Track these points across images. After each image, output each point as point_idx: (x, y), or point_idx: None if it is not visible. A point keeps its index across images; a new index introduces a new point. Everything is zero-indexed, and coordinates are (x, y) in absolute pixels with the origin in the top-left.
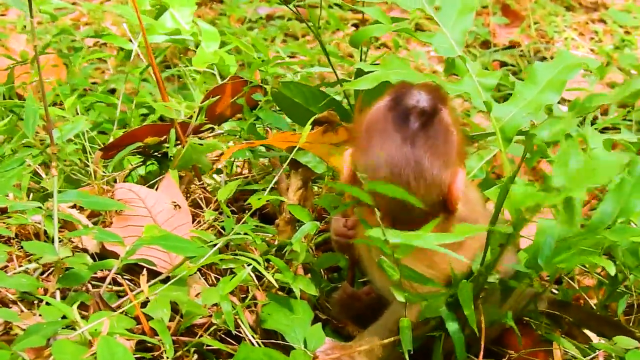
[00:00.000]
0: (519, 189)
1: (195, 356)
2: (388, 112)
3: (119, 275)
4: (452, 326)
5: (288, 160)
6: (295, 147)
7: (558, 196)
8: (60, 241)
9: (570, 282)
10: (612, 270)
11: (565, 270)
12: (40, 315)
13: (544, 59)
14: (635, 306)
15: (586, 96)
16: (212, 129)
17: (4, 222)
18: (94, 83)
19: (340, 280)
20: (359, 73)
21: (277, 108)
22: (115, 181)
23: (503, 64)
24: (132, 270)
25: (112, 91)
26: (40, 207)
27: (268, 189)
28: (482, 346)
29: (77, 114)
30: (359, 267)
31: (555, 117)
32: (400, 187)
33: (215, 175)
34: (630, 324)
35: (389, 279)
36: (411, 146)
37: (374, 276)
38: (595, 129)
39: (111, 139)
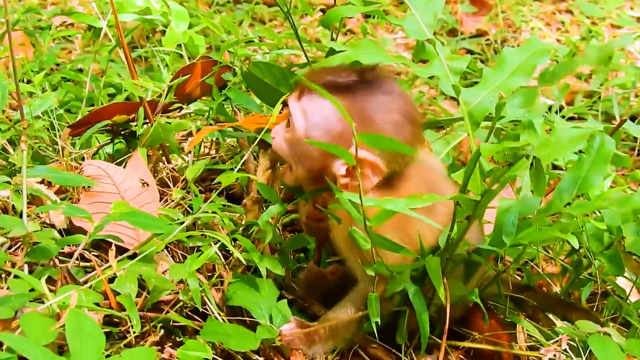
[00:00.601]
0: (487, 145)
1: (162, 332)
2: (354, 92)
3: (86, 251)
4: (417, 301)
5: (256, 141)
6: (264, 128)
7: (524, 143)
8: (28, 216)
9: (536, 267)
10: (576, 244)
11: (529, 255)
12: (8, 288)
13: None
14: (599, 293)
15: (557, 64)
16: (181, 109)
17: None
18: (59, 63)
19: (306, 261)
20: (331, 52)
21: (246, 89)
22: (82, 158)
23: (470, 52)
24: (99, 246)
25: (79, 71)
26: (8, 182)
27: (237, 168)
28: (447, 320)
29: (45, 91)
30: (327, 248)
31: (526, 87)
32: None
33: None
34: (594, 311)
35: (360, 253)
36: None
37: (344, 252)
38: (562, 117)
39: (79, 117)
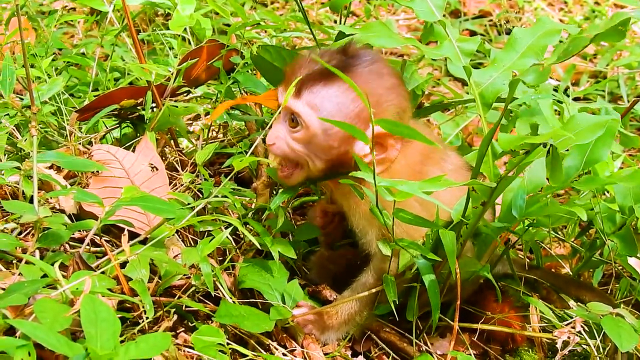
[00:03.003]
0: (505, 136)
1: (175, 317)
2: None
3: (96, 236)
4: (428, 276)
5: (270, 123)
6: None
7: (542, 138)
8: (38, 202)
9: (547, 248)
10: (584, 216)
11: (539, 237)
12: (20, 274)
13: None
14: (613, 276)
15: (569, 39)
16: (188, 92)
17: None
18: (61, 48)
19: (317, 245)
20: (340, 36)
21: (252, 71)
22: (90, 143)
23: (473, 34)
24: (109, 231)
25: (82, 55)
26: (18, 168)
27: (250, 152)
28: (459, 298)
29: (51, 76)
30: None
31: (538, 64)
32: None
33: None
34: (608, 293)
35: (381, 229)
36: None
37: (364, 229)
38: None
39: (86, 102)
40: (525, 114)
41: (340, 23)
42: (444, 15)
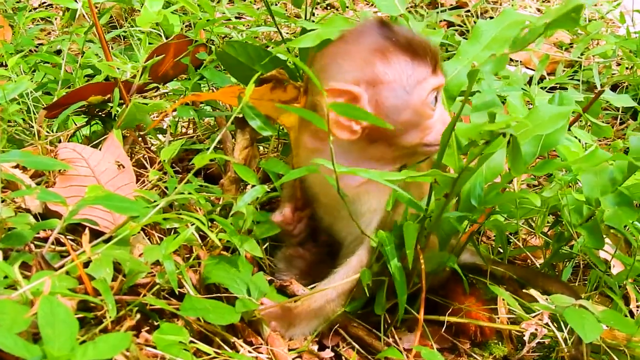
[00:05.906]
0: (463, 125)
1: (138, 316)
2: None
3: (62, 236)
4: (394, 264)
5: (231, 119)
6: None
7: (499, 125)
8: (2, 201)
9: (517, 242)
10: (538, 202)
11: (511, 229)
12: None
13: (491, 19)
14: (581, 267)
15: (529, 29)
16: (157, 89)
17: None
18: (39, 44)
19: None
20: (304, 31)
21: (222, 67)
22: (59, 141)
23: (450, 24)
24: (76, 230)
25: (59, 52)
26: None
27: (211, 148)
28: (424, 288)
29: (22, 74)
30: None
31: (498, 55)
32: None
33: (159, 135)
34: (578, 284)
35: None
36: None
37: (337, 224)
38: (543, 87)
39: (55, 99)
40: (481, 107)
41: (305, 18)
42: (420, 6)
